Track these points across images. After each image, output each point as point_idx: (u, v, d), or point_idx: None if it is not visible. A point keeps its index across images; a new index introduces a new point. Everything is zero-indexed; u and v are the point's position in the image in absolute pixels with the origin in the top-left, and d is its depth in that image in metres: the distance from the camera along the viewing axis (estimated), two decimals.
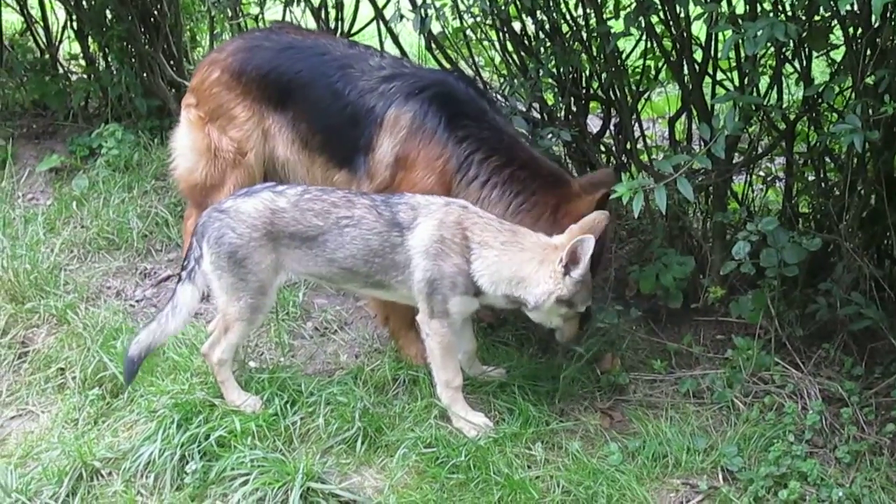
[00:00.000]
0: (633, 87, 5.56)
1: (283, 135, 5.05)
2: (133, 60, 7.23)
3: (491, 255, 4.22)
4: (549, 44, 5.39)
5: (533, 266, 4.20)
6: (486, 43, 6.22)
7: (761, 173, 5.54)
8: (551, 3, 5.30)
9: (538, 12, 5.39)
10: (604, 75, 5.52)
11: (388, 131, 4.70)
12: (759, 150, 5.32)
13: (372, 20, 6.43)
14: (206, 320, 5.00)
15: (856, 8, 3.99)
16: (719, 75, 5.18)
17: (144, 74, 7.22)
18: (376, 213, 4.29)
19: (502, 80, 5.91)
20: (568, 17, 5.38)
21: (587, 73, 5.66)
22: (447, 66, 5.93)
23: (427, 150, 4.62)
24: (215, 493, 4.10)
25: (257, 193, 4.37)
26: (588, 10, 5.24)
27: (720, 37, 4.77)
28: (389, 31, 6.14)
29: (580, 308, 4.29)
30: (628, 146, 5.41)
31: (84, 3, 7.18)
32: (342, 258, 4.32)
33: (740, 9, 4.40)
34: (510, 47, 5.77)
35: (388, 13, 5.87)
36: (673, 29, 4.88)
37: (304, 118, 4.97)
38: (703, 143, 4.25)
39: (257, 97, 5.06)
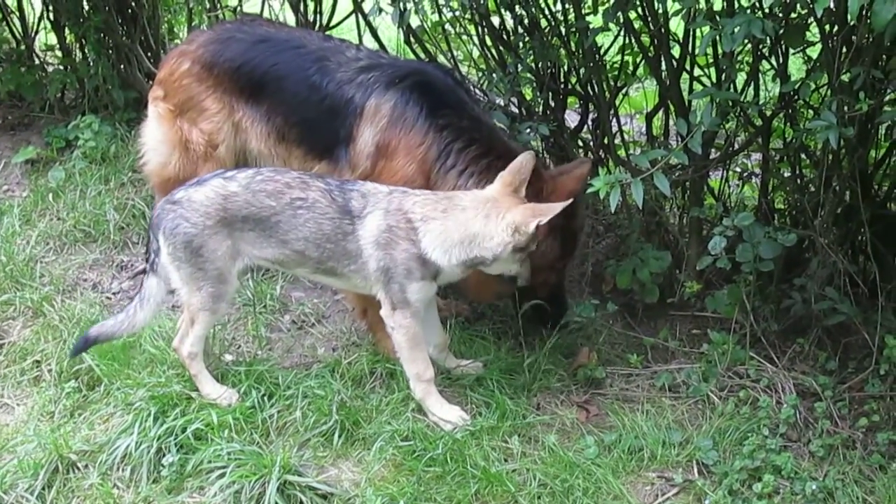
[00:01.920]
0: (611, 83, 5.57)
1: (257, 128, 5.03)
2: (110, 52, 7.18)
3: (436, 225, 4.23)
4: (527, 39, 5.39)
5: (480, 222, 4.21)
6: (464, 37, 6.22)
7: (737, 169, 5.56)
8: None
9: (517, 7, 5.40)
10: (582, 70, 5.54)
11: (368, 121, 4.70)
12: (736, 146, 5.34)
13: (350, 13, 6.43)
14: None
15: (832, 6, 4.01)
16: (697, 71, 5.20)
17: (122, 66, 7.17)
18: (330, 197, 4.29)
19: (481, 74, 5.90)
20: (546, 12, 5.38)
21: (565, 68, 5.67)
22: (425, 59, 5.93)
23: (408, 137, 4.63)
24: (192, 485, 4.10)
25: (207, 182, 4.37)
26: (567, 6, 5.25)
27: (698, 33, 4.79)
28: (368, 24, 6.14)
29: (532, 247, 4.31)
30: (606, 141, 5.43)
31: None
32: (294, 240, 4.31)
33: (718, 5, 4.41)
34: (489, 42, 5.76)
35: (366, 6, 5.85)
36: (651, 25, 4.90)
37: (279, 111, 4.96)
38: (679, 139, 4.27)
39: (228, 89, 5.04)
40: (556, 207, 4.17)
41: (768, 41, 4.56)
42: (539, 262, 4.53)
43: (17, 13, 7.47)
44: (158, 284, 4.42)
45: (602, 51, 5.48)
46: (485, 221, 4.21)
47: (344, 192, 4.31)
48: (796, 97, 4.70)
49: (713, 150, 5.20)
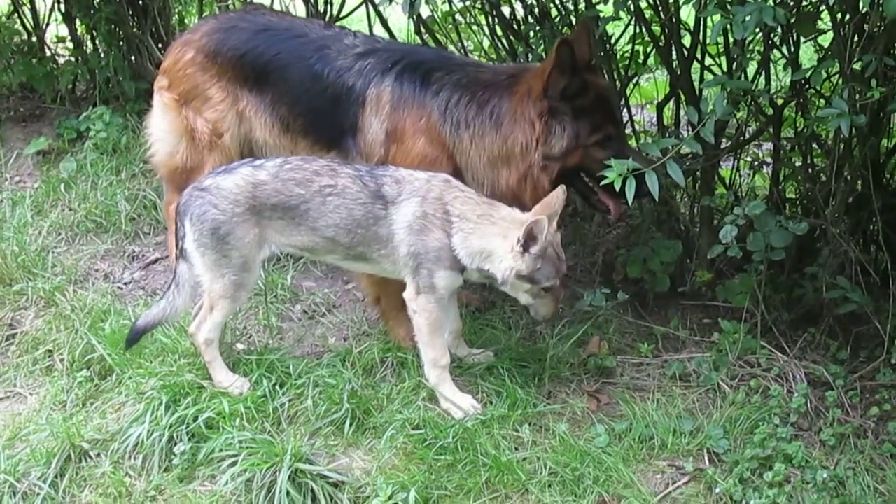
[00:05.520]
0: (622, 72, 5.56)
1: (261, 118, 5.04)
2: (121, 43, 7.20)
3: (468, 227, 4.25)
4: (538, 28, 5.39)
5: (498, 241, 4.23)
6: (475, 27, 6.22)
7: (749, 158, 5.55)
8: None
9: None
10: (592, 60, 5.52)
11: (373, 111, 4.73)
12: (747, 135, 5.33)
13: (361, 3, 6.45)
14: (193, 302, 4.99)
15: None
16: (708, 60, 5.19)
17: (132, 57, 7.20)
18: (361, 183, 4.32)
19: (491, 63, 5.90)
20: (557, 1, 5.38)
21: None
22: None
23: (411, 115, 4.65)
24: (203, 474, 4.12)
25: (236, 170, 4.39)
26: None
27: (709, 21, 4.77)
28: (378, 14, 6.15)
29: (544, 284, 4.28)
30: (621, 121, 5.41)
31: None
32: (324, 227, 4.33)
33: None
34: (499, 31, 5.77)
35: None
36: (662, 14, 4.89)
37: (283, 101, 4.97)
38: (690, 129, 4.26)
39: (232, 78, 5.06)
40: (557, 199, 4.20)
41: (780, 29, 4.55)
42: (570, 146, 4.48)
43: (29, 5, 7.50)
44: (190, 269, 4.44)
45: (612, 40, 5.47)
46: (501, 242, 4.23)
47: (375, 178, 4.34)
48: (808, 86, 4.68)
49: (724, 139, 5.19)
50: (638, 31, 5.40)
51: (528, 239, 4.14)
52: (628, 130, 5.53)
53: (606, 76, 5.34)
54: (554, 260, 4.24)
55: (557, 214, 4.26)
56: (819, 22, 4.44)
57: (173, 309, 4.51)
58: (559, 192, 4.28)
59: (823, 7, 4.27)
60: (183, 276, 4.46)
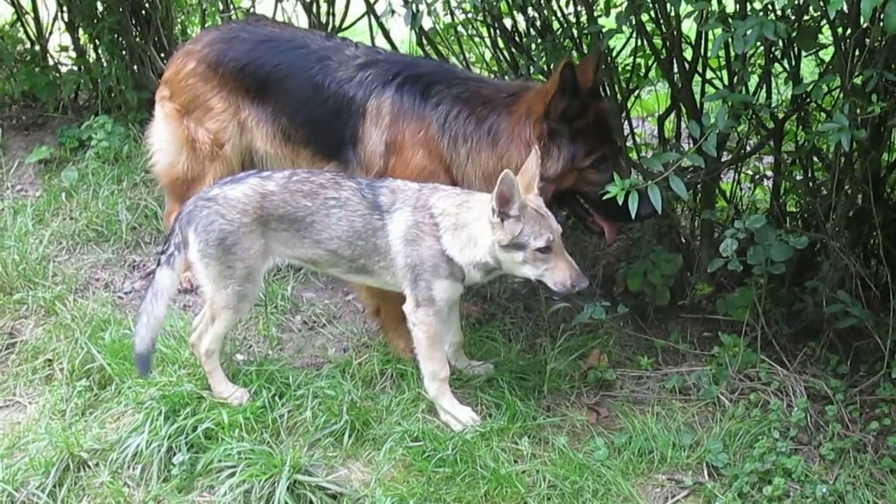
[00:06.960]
0: (623, 85, 5.57)
1: (262, 129, 5.05)
2: (124, 52, 7.22)
3: (450, 222, 4.24)
4: (539, 41, 5.40)
5: (477, 223, 4.18)
6: (477, 39, 6.23)
7: (749, 172, 5.56)
8: (542, 0, 5.31)
9: (529, 9, 5.41)
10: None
11: (373, 122, 4.74)
12: (748, 149, 5.33)
13: (363, 15, 6.45)
14: (194, 313, 5.00)
15: (844, 8, 4.00)
16: (709, 74, 5.19)
17: (135, 67, 7.22)
18: (360, 195, 4.33)
19: (493, 76, 5.91)
20: (559, 14, 5.39)
21: None
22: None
23: (410, 127, 4.67)
24: (202, 484, 4.11)
25: (244, 180, 4.39)
26: (579, 8, 5.25)
27: (710, 35, 4.78)
28: (381, 26, 6.15)
29: (535, 244, 4.08)
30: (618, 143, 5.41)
31: None
32: (327, 239, 4.34)
33: (730, 7, 4.42)
34: (501, 44, 5.78)
35: (379, 8, 5.87)
36: (663, 27, 4.89)
37: (284, 112, 4.98)
38: (691, 142, 4.26)
39: (234, 89, 5.07)
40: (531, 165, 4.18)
41: (781, 43, 4.56)
42: (566, 168, 4.48)
43: (32, 14, 7.51)
44: (171, 278, 4.39)
45: (614, 53, 5.48)
46: (479, 222, 4.19)
47: (373, 189, 4.35)
48: (809, 100, 4.68)
49: (725, 152, 5.19)
50: (639, 44, 5.41)
51: (501, 202, 4.04)
52: (629, 143, 5.52)
53: (608, 89, 5.35)
54: (536, 217, 4.08)
55: (536, 178, 4.18)
56: (820, 36, 4.44)
57: (156, 319, 4.36)
58: (533, 157, 4.21)
59: (824, 21, 4.27)
60: (161, 283, 4.36)
